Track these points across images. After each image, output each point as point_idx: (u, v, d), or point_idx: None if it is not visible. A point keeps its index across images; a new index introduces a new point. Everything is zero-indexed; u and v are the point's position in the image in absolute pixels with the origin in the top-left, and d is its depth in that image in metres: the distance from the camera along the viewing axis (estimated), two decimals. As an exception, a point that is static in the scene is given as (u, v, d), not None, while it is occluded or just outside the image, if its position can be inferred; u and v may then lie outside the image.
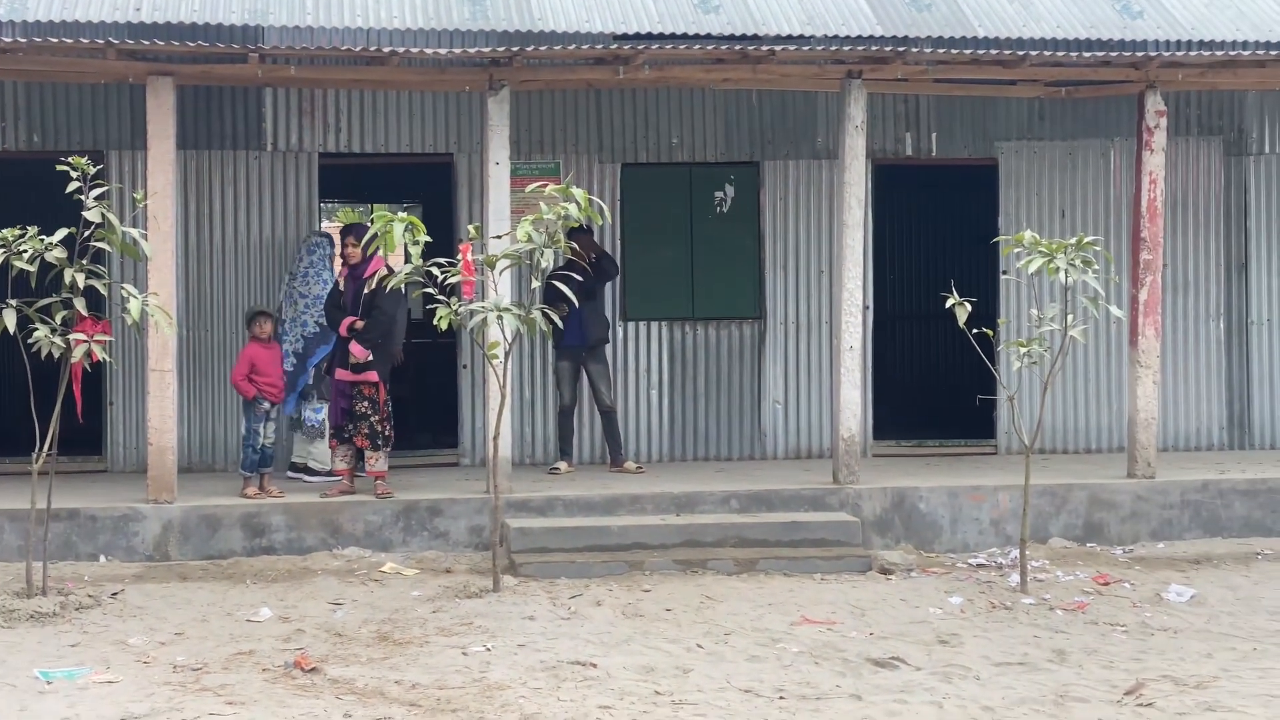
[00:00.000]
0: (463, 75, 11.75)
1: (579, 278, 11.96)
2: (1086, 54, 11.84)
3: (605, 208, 10.36)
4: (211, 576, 10.53)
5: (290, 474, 12.40)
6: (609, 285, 13.10)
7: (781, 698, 7.57)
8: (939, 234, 18.47)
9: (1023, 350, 10.30)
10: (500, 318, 9.86)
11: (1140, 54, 11.93)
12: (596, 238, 13.38)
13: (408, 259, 9.84)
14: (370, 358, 11.44)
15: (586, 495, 11.56)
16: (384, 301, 11.28)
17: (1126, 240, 13.34)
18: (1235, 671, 8.15)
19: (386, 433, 11.51)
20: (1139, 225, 12.24)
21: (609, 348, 13.26)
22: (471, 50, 11.26)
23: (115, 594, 9.86)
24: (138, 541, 10.99)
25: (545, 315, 9.97)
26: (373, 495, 11.42)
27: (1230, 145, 14.32)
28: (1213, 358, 14.29)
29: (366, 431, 11.45)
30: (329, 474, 12.19)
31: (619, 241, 13.65)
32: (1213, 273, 14.30)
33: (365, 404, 11.45)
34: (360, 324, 11.43)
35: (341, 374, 11.56)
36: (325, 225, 18.68)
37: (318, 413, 12.16)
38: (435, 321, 9.96)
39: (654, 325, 13.75)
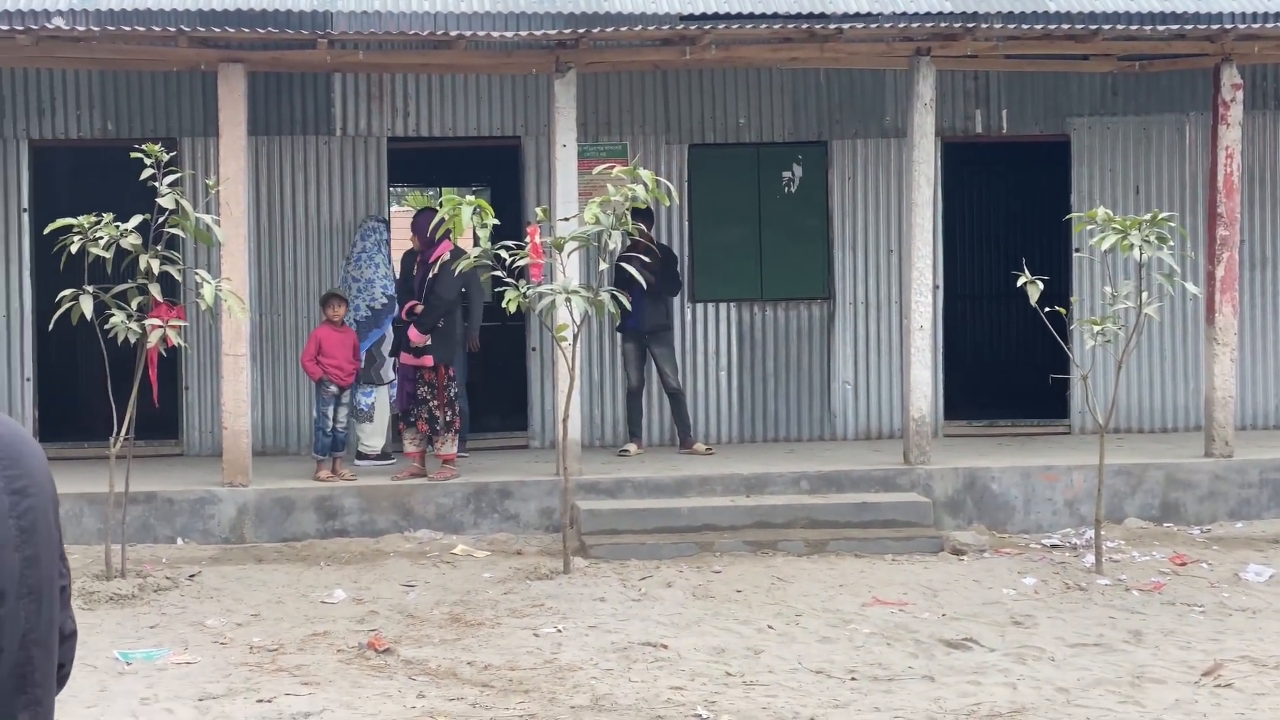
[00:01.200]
0: (529, 58, 11.76)
1: (646, 259, 11.94)
2: (1160, 27, 11.68)
3: (672, 189, 10.34)
4: (286, 558, 10.63)
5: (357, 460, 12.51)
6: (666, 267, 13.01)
7: (853, 679, 7.55)
8: (1010, 212, 18.30)
9: (1096, 328, 10.19)
10: (569, 300, 9.87)
11: (1215, 26, 11.75)
12: (663, 221, 13.38)
13: (476, 242, 9.87)
14: (427, 342, 11.49)
15: (656, 477, 11.57)
16: (441, 287, 11.35)
17: (1202, 216, 13.17)
18: (1315, 652, 8.05)
19: (448, 417, 11.53)
20: (1215, 201, 12.08)
21: (677, 330, 13.25)
22: (538, 33, 11.26)
23: (192, 576, 9.98)
24: (214, 524, 11.11)
25: (613, 297, 9.97)
26: (436, 476, 11.50)
27: (1308, 118, 14.10)
28: (1290, 334, 14.09)
29: (426, 416, 11.52)
30: (381, 457, 12.29)
31: (686, 223, 13.64)
32: (1290, 248, 14.10)
33: (425, 388, 11.52)
34: (419, 308, 11.50)
35: (405, 358, 11.66)
36: (394, 209, 18.78)
37: (368, 396, 12.20)
38: (504, 304, 9.99)
39: (723, 306, 13.72)
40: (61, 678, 2.46)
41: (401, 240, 13.66)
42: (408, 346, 11.60)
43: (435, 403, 11.51)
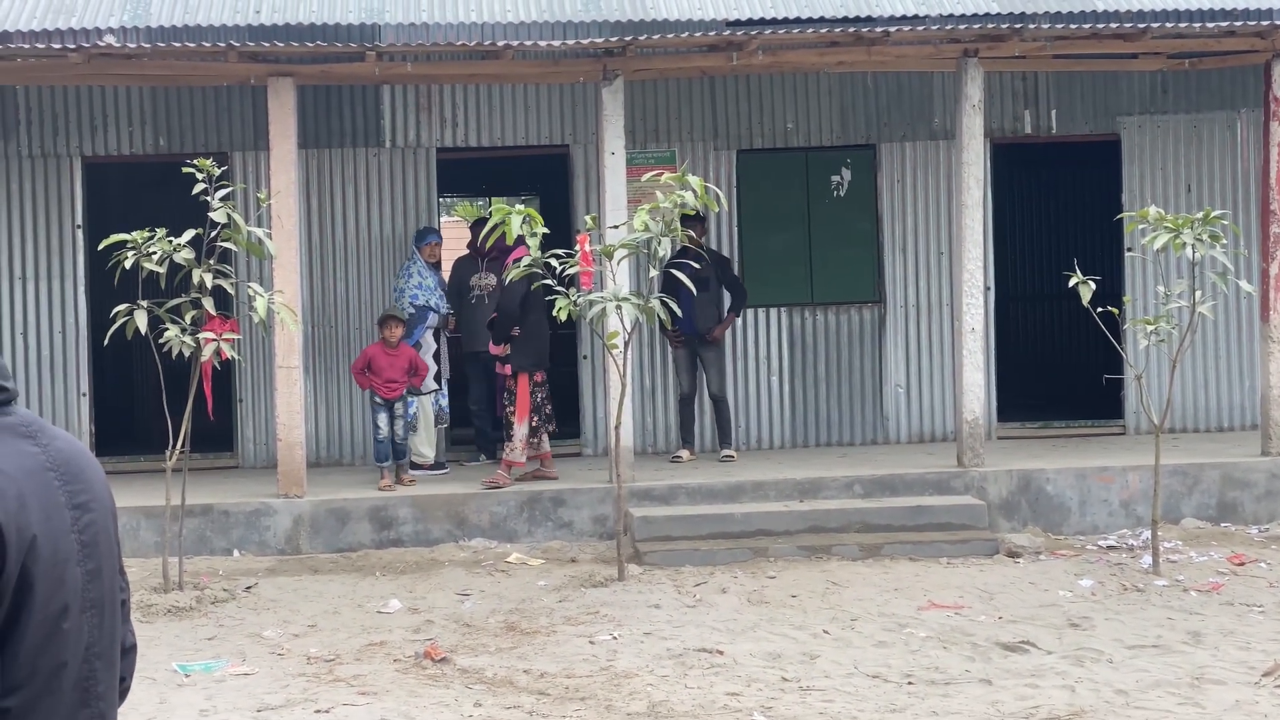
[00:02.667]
0: (577, 66, 11.79)
1: (696, 265, 11.94)
2: (1210, 24, 11.60)
3: (721, 195, 10.34)
4: (341, 569, 10.69)
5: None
6: (722, 273, 12.98)
7: (910, 682, 7.52)
8: (1060, 212, 18.22)
9: (1150, 328, 10.12)
10: (619, 307, 9.89)
11: (1266, 22, 11.65)
12: (712, 227, 13.38)
13: (526, 250, 9.90)
14: (506, 352, 11.67)
15: (709, 483, 11.56)
16: (503, 299, 11.46)
17: (1255, 213, 13.05)
18: (1378, 652, 7.96)
19: (531, 424, 11.62)
20: (1268, 197, 11.97)
21: (727, 335, 13.24)
22: (585, 41, 11.29)
23: (249, 587, 10.05)
24: (269, 535, 11.19)
25: (664, 304, 9.97)
26: (541, 478, 11.68)
27: (1362, 113, 13.93)
28: (1348, 331, 13.93)
29: (505, 422, 11.79)
30: (434, 466, 12.37)
31: (735, 228, 13.63)
32: (1346, 244, 13.94)
33: (505, 394, 11.81)
34: (494, 319, 11.69)
35: (499, 366, 11.95)
36: (443, 219, 18.86)
37: (410, 405, 12.25)
38: (554, 312, 10.02)
39: (773, 311, 13.71)
40: (122, 691, 2.49)
41: (453, 249, 13.73)
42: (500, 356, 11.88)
43: (510, 409, 11.66)
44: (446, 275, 13.42)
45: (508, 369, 11.68)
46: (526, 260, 10.01)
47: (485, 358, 12.62)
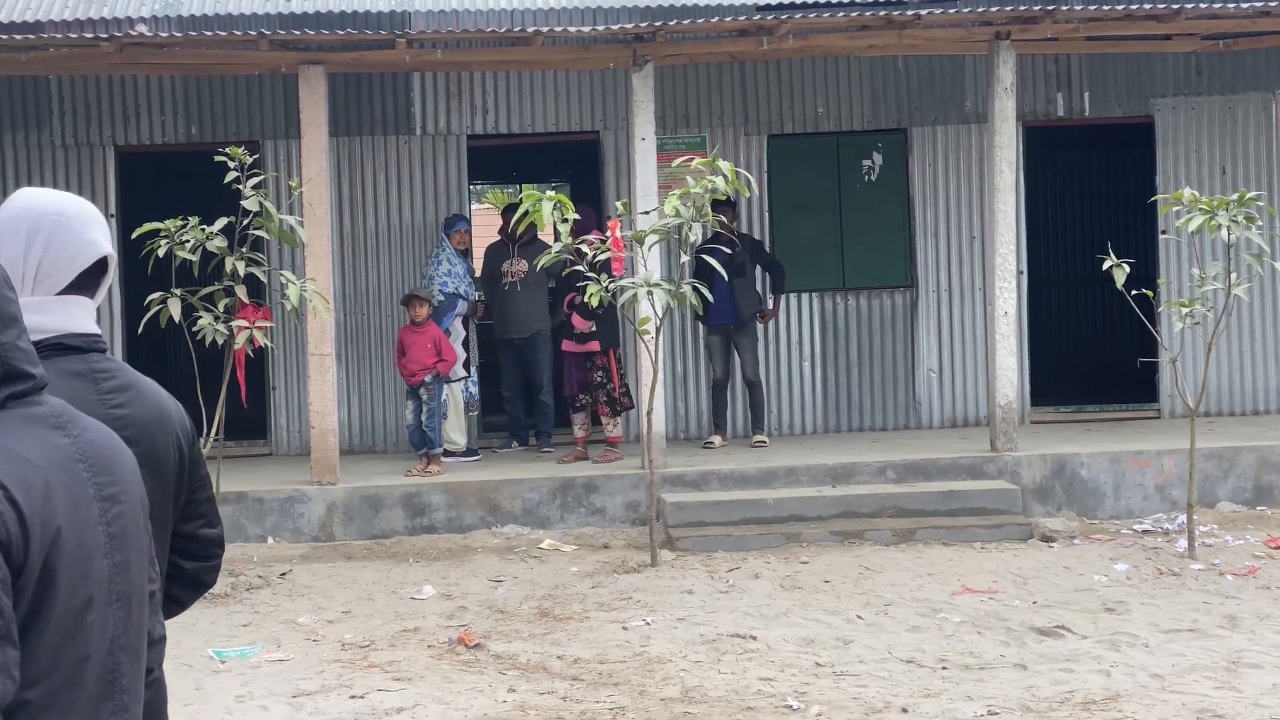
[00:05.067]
0: (606, 52, 11.78)
1: (728, 250, 11.92)
2: (1244, 4, 11.51)
3: (752, 180, 10.32)
4: (375, 555, 10.72)
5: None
6: (758, 256, 12.96)
7: (944, 668, 7.50)
8: (1093, 195, 18.11)
9: (1185, 311, 10.06)
10: (650, 293, 9.88)
11: (1301, 2, 11.56)
12: (744, 213, 13.35)
13: (557, 237, 9.90)
14: (592, 328, 11.76)
15: (741, 469, 11.55)
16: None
17: (1291, 195, 12.95)
18: None
19: (625, 400, 12.01)
20: (1304, 179, 11.88)
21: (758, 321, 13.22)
22: (614, 27, 11.28)
23: (284, 574, 10.09)
24: (303, 522, 11.23)
25: (695, 290, 9.96)
26: (600, 459, 11.89)
27: (1399, 93, 13.82)
28: (1385, 313, 13.83)
29: (605, 399, 11.93)
30: (466, 453, 12.40)
31: (767, 214, 13.60)
32: (1383, 225, 13.83)
33: (600, 374, 11.91)
34: (579, 299, 11.68)
35: (568, 345, 12.01)
36: (474, 207, 18.87)
37: (440, 393, 12.26)
38: (586, 298, 10.01)
39: (804, 296, 13.68)
40: (150, 682, 2.48)
41: (483, 236, 13.74)
42: (570, 334, 11.91)
43: (611, 385, 11.86)
44: (476, 262, 13.43)
45: (594, 346, 11.80)
46: (557, 246, 10.01)
47: (517, 343, 12.63)
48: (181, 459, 2.95)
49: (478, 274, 13.11)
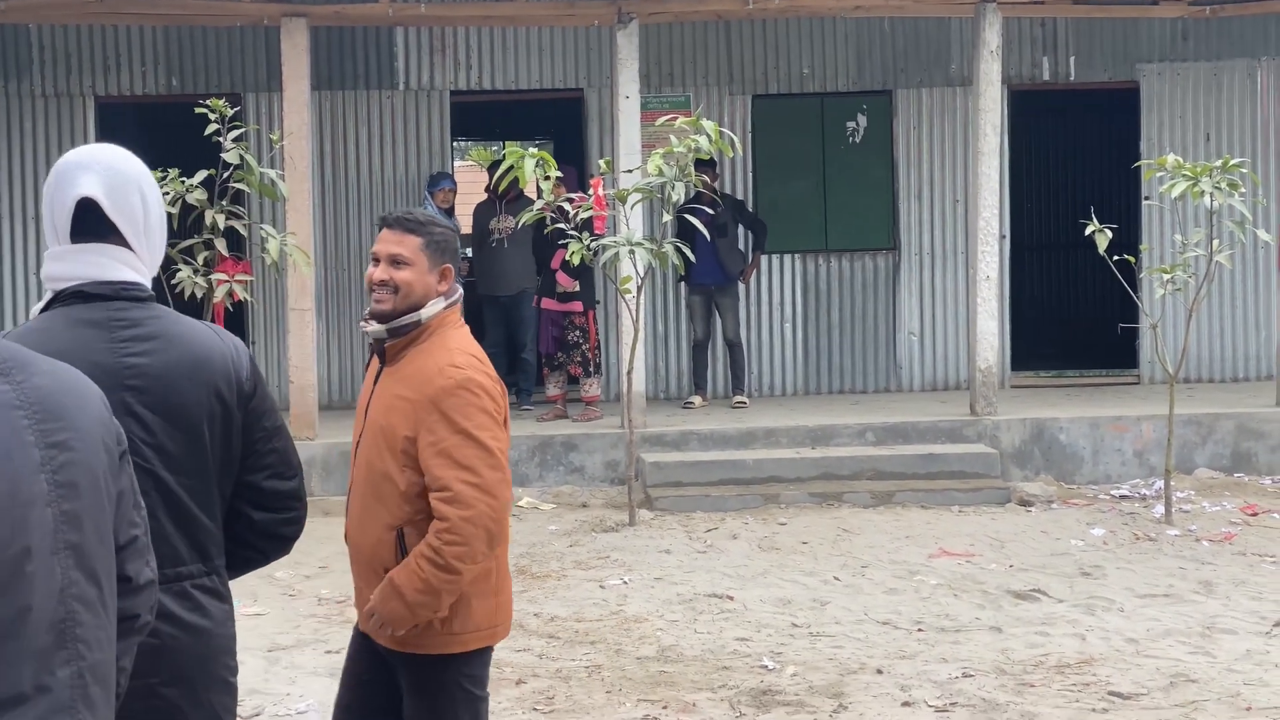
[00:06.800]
0: (591, 9, 11.71)
1: (710, 211, 11.88)
2: (1232, -30, 11.47)
3: (736, 140, 10.28)
4: (353, 511, 10.69)
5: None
6: (740, 215, 12.92)
7: (920, 630, 7.52)
8: (1078, 160, 18.10)
9: (1166, 277, 10.06)
10: (632, 252, 9.85)
11: (1289, -31, 11.53)
12: (727, 173, 13.31)
13: (539, 194, 9.86)
14: (576, 287, 11.77)
15: (721, 429, 11.55)
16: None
17: (1275, 162, 12.98)
18: (1390, 603, 7.94)
19: (598, 360, 12.07)
20: (1287, 146, 11.87)
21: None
22: (600, -17, 11.20)
23: (261, 529, 10.04)
24: (281, 478, 11.17)
25: (677, 249, 9.93)
26: (580, 417, 11.98)
27: (1384, 62, 13.82)
28: (1365, 282, 13.85)
29: (579, 359, 11.97)
30: None
31: (750, 174, 13.56)
32: (1365, 194, 13.85)
33: (577, 333, 11.94)
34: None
35: (548, 303, 12.01)
36: (458, 164, 18.79)
37: None
38: (568, 256, 9.97)
39: (787, 258, 13.65)
40: (139, 627, 2.44)
41: (466, 194, 13.68)
42: (553, 292, 11.89)
43: (587, 346, 11.93)
44: (461, 221, 13.38)
45: (576, 306, 11.83)
46: (539, 203, 9.97)
47: (503, 300, 12.61)
48: (226, 409, 3.02)
49: (464, 232, 13.07)
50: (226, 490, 3.11)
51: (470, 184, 17.40)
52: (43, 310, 3.00)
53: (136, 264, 2.98)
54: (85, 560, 2.26)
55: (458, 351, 3.99)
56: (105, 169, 2.95)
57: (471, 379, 3.93)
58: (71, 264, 2.95)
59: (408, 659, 4.03)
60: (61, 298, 2.97)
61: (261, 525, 3.19)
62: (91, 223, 2.93)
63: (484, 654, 4.11)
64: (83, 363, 2.71)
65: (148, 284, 3.03)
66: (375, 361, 4.15)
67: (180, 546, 3.01)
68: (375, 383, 4.12)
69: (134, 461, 2.85)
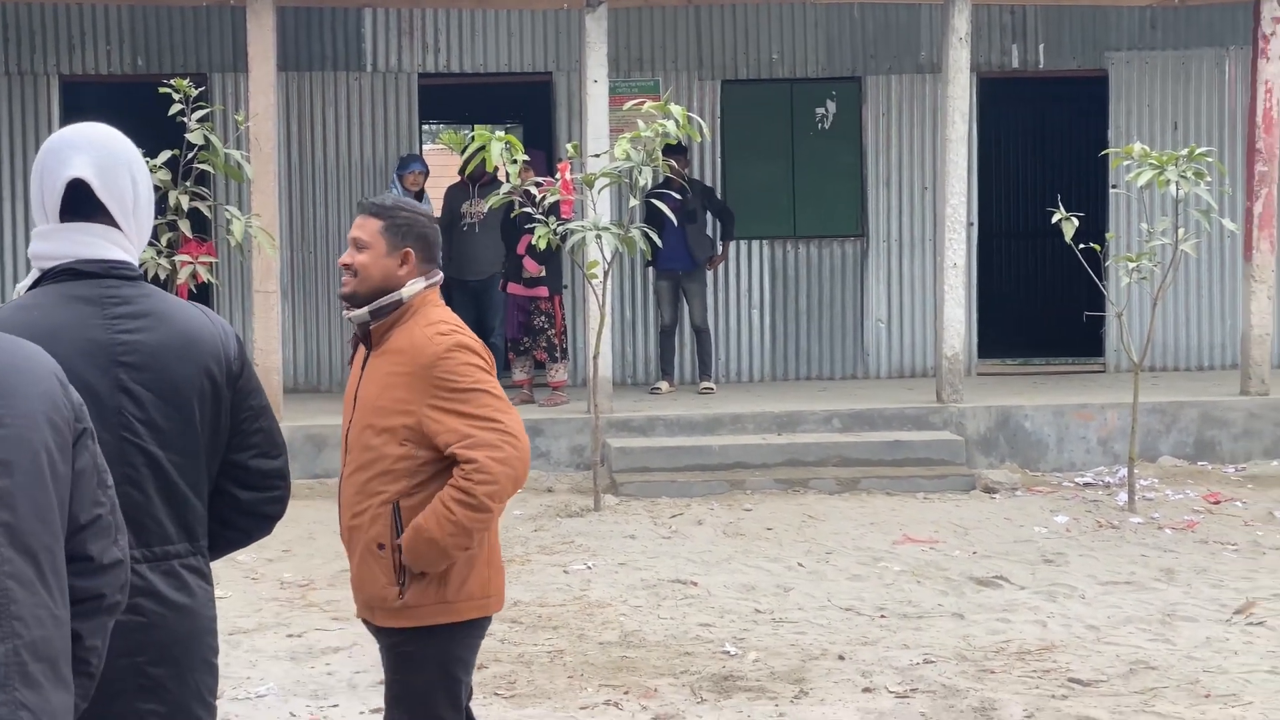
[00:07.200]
0: (560, -8, 11.66)
1: (678, 196, 11.86)
2: (1200, -40, 11.49)
3: (704, 125, 10.25)
4: (318, 495, 10.65)
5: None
6: (708, 202, 12.90)
7: (883, 616, 7.53)
8: (1046, 148, 18.14)
9: (1132, 265, 10.09)
10: (599, 237, 9.82)
11: (1256, -41, 11.55)
12: (696, 158, 13.28)
13: (506, 178, 9.82)
14: (543, 272, 11.73)
15: (687, 414, 11.54)
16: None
17: (1241, 152, 12.99)
18: (1349, 591, 7.99)
19: (564, 345, 12.05)
20: (1254, 136, 11.92)
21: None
22: (569, -34, 11.16)
23: (224, 512, 9.99)
24: (245, 461, 11.12)
25: (645, 234, 9.91)
26: (546, 402, 11.99)
27: (1351, 53, 13.85)
28: (1330, 272, 13.91)
29: (544, 345, 11.95)
30: None
31: (719, 160, 13.54)
32: (1331, 185, 13.90)
33: (542, 318, 11.93)
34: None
35: (514, 288, 12.00)
36: (427, 148, 18.71)
37: None
38: (534, 241, 9.94)
39: (755, 244, 13.64)
40: (108, 607, 2.43)
41: (435, 177, 13.60)
42: (519, 277, 11.84)
43: (552, 331, 11.91)
44: (431, 203, 13.31)
45: (542, 291, 11.80)
46: (506, 187, 9.93)
47: (473, 285, 12.57)
48: (215, 388, 3.04)
49: (434, 215, 13.00)
50: (213, 470, 3.12)
51: (440, 167, 17.31)
52: (31, 288, 3.00)
53: (125, 243, 3.02)
54: (19, 538, 2.24)
55: (441, 322, 4.09)
56: (97, 149, 2.97)
57: (461, 340, 4.04)
58: (60, 242, 2.97)
59: (400, 634, 4.03)
60: (52, 275, 2.97)
61: (247, 504, 3.20)
62: (81, 202, 2.96)
63: (475, 630, 4.10)
64: (78, 338, 2.82)
65: (136, 263, 3.03)
66: (360, 352, 4.17)
67: (169, 525, 3.01)
68: (363, 370, 4.14)
69: (126, 437, 2.87)
